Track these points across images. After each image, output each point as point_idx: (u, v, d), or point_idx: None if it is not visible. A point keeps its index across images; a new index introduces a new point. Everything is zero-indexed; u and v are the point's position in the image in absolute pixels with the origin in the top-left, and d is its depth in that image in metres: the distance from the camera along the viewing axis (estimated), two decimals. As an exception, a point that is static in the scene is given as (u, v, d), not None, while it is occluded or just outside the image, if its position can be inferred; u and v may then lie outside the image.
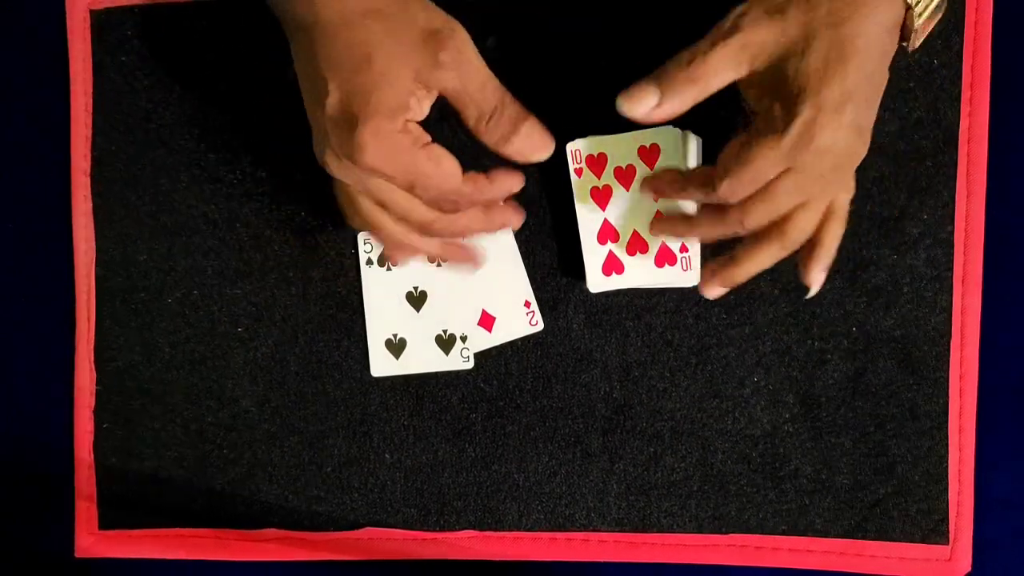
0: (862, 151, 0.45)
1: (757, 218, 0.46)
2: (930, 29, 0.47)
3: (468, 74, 0.45)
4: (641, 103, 0.46)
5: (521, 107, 0.47)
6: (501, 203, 0.52)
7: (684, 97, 0.45)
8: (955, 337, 0.56)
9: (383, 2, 0.44)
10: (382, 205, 0.48)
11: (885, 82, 0.45)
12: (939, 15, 0.46)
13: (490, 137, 0.47)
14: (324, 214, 0.58)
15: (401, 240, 0.49)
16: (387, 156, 0.44)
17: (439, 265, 0.57)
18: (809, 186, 0.45)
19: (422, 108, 0.46)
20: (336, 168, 0.46)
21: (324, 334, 0.59)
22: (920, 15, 0.45)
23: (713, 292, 0.51)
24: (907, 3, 0.44)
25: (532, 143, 0.47)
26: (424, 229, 0.49)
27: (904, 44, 0.46)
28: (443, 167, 0.46)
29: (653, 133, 0.54)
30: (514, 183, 0.49)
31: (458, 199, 0.47)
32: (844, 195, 0.48)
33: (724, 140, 0.56)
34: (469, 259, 0.53)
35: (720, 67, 0.44)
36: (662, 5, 0.56)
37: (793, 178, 0.44)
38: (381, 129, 0.43)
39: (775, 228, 0.47)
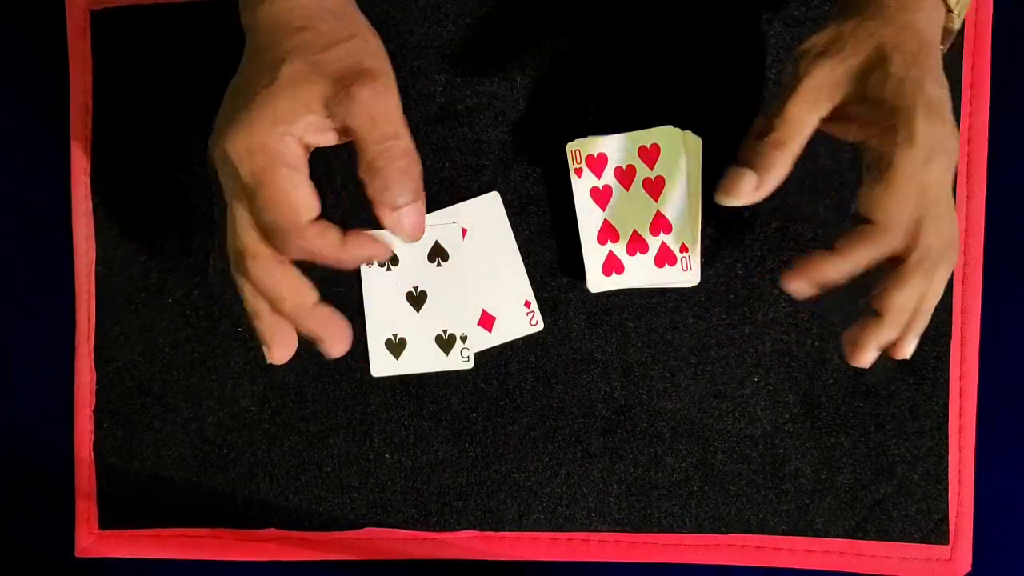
0: (959, 151, 0.44)
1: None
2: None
3: (373, 121, 0.42)
4: (742, 191, 0.44)
5: (419, 182, 0.43)
6: (329, 311, 0.45)
7: (779, 165, 0.43)
8: (955, 337, 0.56)
9: (324, 25, 0.43)
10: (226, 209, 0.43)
11: None
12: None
13: (372, 194, 0.43)
14: (324, 213, 0.58)
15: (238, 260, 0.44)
16: (246, 151, 0.41)
17: (439, 265, 0.57)
18: (935, 206, 0.42)
19: (316, 134, 0.43)
20: (209, 150, 0.43)
21: (324, 334, 0.59)
22: (959, 16, 0.45)
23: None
24: (948, 6, 0.44)
25: (414, 222, 0.43)
26: (237, 259, 0.44)
27: (941, 47, 0.46)
28: (293, 195, 0.41)
29: (653, 133, 0.54)
30: (373, 254, 0.44)
31: (294, 242, 0.42)
32: (951, 232, 0.44)
33: (724, 140, 0.56)
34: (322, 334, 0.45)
35: (801, 118, 0.43)
36: (662, 5, 0.56)
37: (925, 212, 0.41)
38: (255, 124, 0.41)
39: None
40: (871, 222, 0.42)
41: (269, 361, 0.46)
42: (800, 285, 0.43)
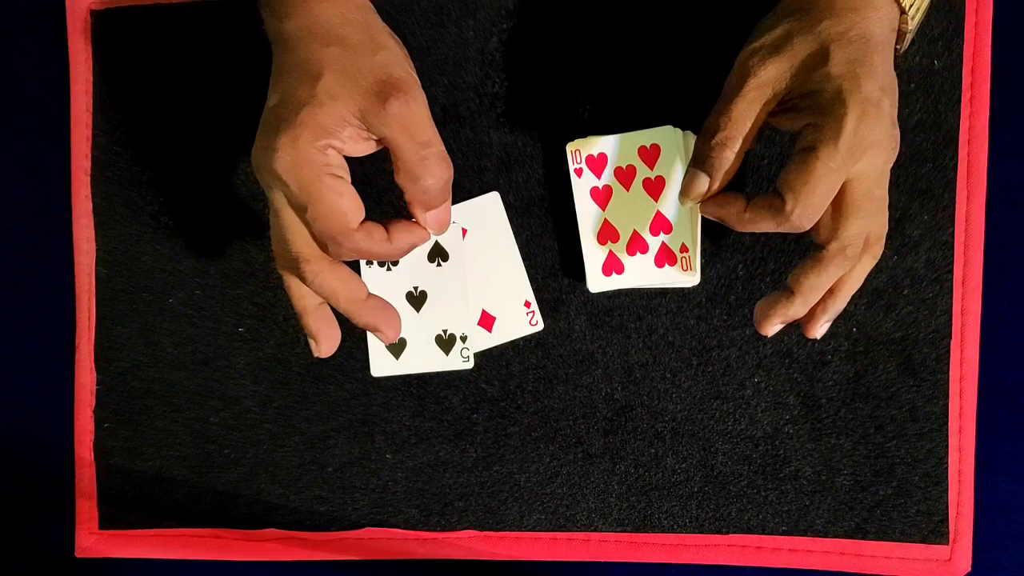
0: (897, 150, 0.44)
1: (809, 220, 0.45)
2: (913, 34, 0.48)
3: (409, 132, 0.44)
4: (697, 192, 0.46)
5: (448, 184, 0.47)
6: (380, 301, 0.49)
7: (727, 162, 0.45)
8: (955, 339, 0.56)
9: (354, 36, 0.45)
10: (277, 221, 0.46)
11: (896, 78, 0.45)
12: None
13: (410, 197, 0.46)
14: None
15: (287, 267, 0.47)
16: (292, 166, 0.43)
17: (439, 265, 0.57)
18: (865, 201, 0.44)
19: (355, 144, 0.45)
20: (254, 165, 0.45)
21: (325, 334, 0.59)
22: (913, 18, 0.45)
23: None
24: (901, 7, 0.45)
25: (444, 219, 0.48)
26: (291, 264, 0.46)
27: (897, 47, 0.47)
28: (340, 203, 0.44)
29: (653, 133, 0.54)
30: (417, 240, 0.47)
31: (345, 245, 0.45)
32: (878, 229, 0.46)
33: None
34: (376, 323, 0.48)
35: (746, 117, 0.45)
36: (662, 5, 0.56)
37: (852, 192, 0.44)
38: (299, 139, 0.43)
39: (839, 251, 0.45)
40: (783, 199, 0.43)
41: (316, 355, 0.50)
42: (705, 209, 0.48)
